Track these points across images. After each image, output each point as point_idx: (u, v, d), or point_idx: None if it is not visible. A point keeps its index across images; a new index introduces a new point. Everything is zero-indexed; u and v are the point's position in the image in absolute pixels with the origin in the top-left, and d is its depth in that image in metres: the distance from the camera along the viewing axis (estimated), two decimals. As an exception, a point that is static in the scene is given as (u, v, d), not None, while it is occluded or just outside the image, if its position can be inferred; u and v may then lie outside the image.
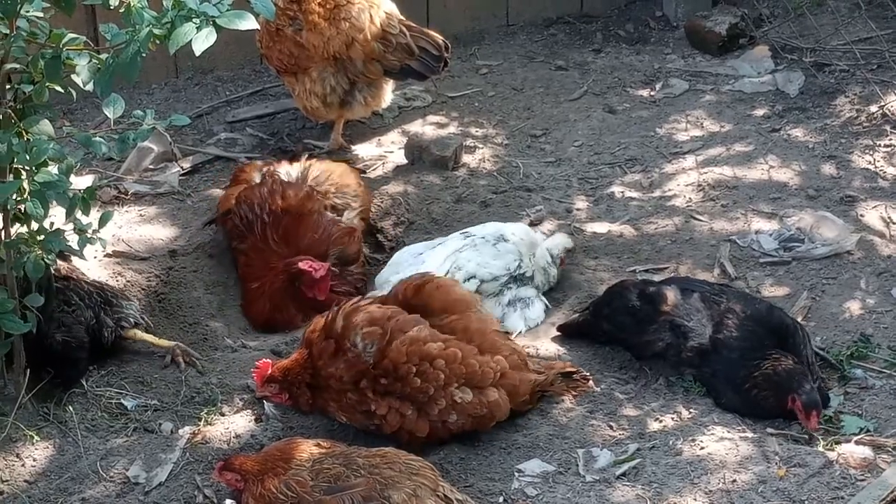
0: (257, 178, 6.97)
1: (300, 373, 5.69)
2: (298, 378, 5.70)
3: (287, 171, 6.98)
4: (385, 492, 5.10)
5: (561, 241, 6.77)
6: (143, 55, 4.86)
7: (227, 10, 4.78)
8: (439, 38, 7.50)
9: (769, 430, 5.85)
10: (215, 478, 5.44)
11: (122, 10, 4.90)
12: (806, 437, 5.81)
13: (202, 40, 4.69)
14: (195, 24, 4.73)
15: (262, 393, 5.78)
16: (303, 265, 6.51)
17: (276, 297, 6.61)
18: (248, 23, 4.76)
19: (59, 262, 6.10)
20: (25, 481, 5.60)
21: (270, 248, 6.68)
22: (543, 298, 6.61)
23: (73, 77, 5.16)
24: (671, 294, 6.18)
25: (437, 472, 5.28)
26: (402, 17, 7.53)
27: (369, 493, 5.09)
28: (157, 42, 4.90)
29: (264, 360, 5.78)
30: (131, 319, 6.26)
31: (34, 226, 5.41)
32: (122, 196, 7.38)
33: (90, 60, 5.13)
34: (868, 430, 5.82)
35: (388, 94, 7.72)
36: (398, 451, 5.37)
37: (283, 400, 5.76)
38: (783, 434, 5.83)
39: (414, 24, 7.53)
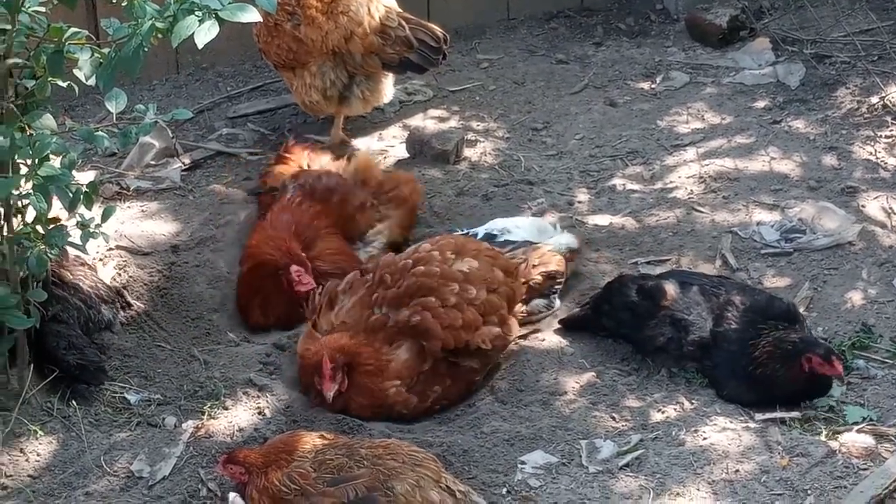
0: (304, 162, 7.04)
1: None
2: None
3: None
4: (388, 482, 5.11)
5: (566, 240, 6.76)
6: (146, 49, 4.87)
7: (229, 2, 4.78)
8: (438, 30, 7.50)
9: (777, 414, 5.86)
10: (219, 471, 5.45)
11: (124, 4, 4.91)
12: (806, 421, 5.83)
13: (204, 33, 4.70)
14: (197, 17, 4.74)
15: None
16: (294, 273, 6.51)
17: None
18: (251, 15, 4.77)
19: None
20: (29, 476, 5.60)
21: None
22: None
23: (76, 72, 5.16)
24: (670, 288, 6.19)
25: (440, 464, 5.29)
26: (400, 10, 7.53)
27: (372, 485, 5.10)
28: (160, 36, 4.91)
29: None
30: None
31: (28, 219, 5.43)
32: (124, 192, 7.39)
33: (92, 55, 5.13)
34: (870, 420, 5.82)
35: (389, 88, 7.72)
36: (401, 442, 5.39)
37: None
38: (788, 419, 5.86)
39: (412, 17, 7.54)
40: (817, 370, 5.82)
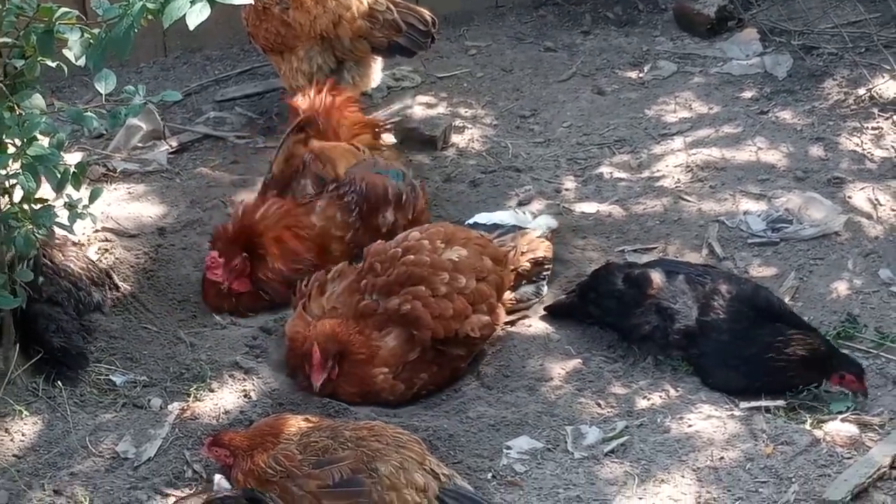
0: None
1: None
2: None
3: None
4: (372, 464, 5.11)
5: (544, 221, 6.79)
6: (136, 30, 4.85)
7: (221, -16, 4.78)
8: (426, 13, 7.49)
9: (762, 403, 5.89)
10: (205, 453, 5.46)
11: (115, -16, 4.90)
12: (790, 410, 5.88)
13: (196, 14, 4.69)
14: (188, -2, 4.73)
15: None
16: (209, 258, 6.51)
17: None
18: (242, -3, 4.77)
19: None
20: (14, 456, 5.60)
21: None
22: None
23: (65, 52, 5.14)
24: (656, 277, 6.20)
25: (424, 446, 5.30)
26: None
27: (357, 466, 5.10)
28: (150, 17, 4.90)
29: None
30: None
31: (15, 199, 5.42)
32: (111, 174, 7.38)
33: (82, 35, 5.12)
34: (855, 409, 5.85)
35: (377, 73, 7.71)
36: (385, 424, 5.40)
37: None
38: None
39: (401, 0, 7.52)
40: (848, 387, 5.89)
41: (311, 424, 5.37)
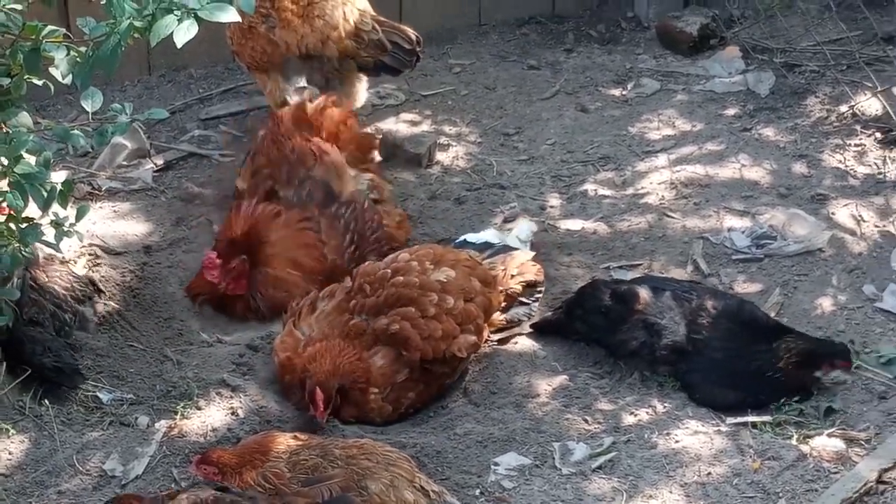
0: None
1: None
2: None
3: None
4: (362, 482, 5.12)
5: (525, 225, 6.87)
6: (123, 48, 4.85)
7: (208, 2, 4.77)
8: (411, 32, 7.50)
9: (749, 418, 5.91)
10: (193, 471, 5.43)
11: (102, 2, 4.89)
12: (777, 425, 5.90)
13: (183, 32, 4.68)
14: (176, 16, 4.72)
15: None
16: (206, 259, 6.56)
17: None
18: (229, 15, 4.75)
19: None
20: (1, 474, 5.58)
21: None
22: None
23: (51, 70, 5.14)
24: (643, 293, 6.22)
25: (414, 464, 5.30)
26: (374, 13, 7.53)
27: (347, 484, 5.10)
28: (137, 35, 4.90)
29: None
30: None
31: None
32: (96, 192, 7.37)
33: (68, 53, 5.11)
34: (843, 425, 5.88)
35: (363, 92, 7.72)
36: (375, 442, 5.40)
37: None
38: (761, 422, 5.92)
39: (385, 19, 7.53)
40: (843, 371, 5.97)
41: (300, 442, 5.37)
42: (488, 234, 6.79)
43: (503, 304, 6.36)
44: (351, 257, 6.67)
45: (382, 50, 7.41)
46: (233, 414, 5.94)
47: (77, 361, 6.07)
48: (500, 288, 6.32)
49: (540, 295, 6.51)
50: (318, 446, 5.31)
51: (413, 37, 7.47)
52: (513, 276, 6.42)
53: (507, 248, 6.58)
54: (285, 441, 5.35)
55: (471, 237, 6.75)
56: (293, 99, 7.29)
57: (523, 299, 6.46)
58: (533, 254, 6.63)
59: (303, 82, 7.43)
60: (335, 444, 5.31)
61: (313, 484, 5.12)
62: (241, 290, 6.57)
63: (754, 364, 5.98)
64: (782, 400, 5.98)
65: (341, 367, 5.89)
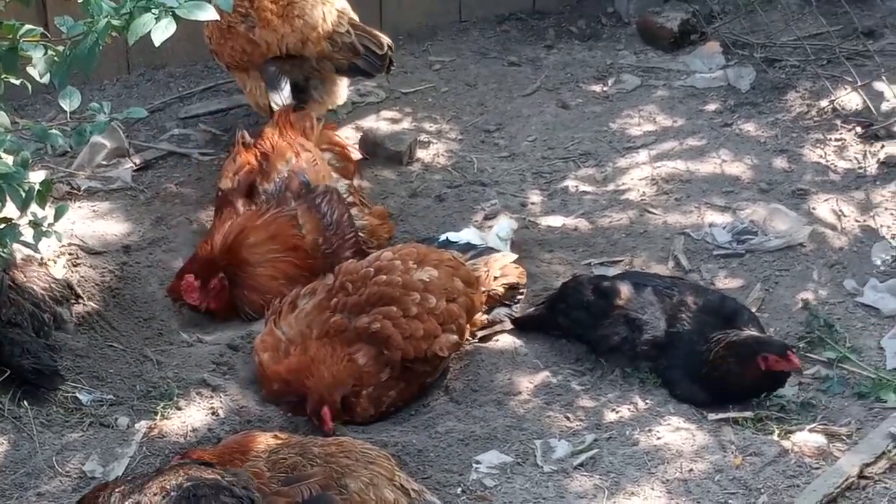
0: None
1: None
2: None
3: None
4: (342, 480, 5.08)
5: (506, 223, 6.88)
6: (101, 46, 4.83)
7: (186, 0, 4.75)
8: (384, 38, 7.49)
9: (730, 414, 5.91)
10: (174, 471, 5.43)
11: (80, 1, 4.87)
12: (758, 421, 5.89)
13: (161, 31, 4.65)
14: (154, 14, 4.69)
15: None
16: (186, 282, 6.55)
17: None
18: (208, 13, 4.73)
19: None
20: (-19, 476, 5.57)
21: None
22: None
23: (29, 69, 5.11)
24: (625, 289, 6.22)
25: (394, 461, 5.28)
26: (351, 16, 7.50)
27: (326, 483, 5.07)
28: (115, 34, 4.88)
29: None
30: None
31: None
32: (75, 192, 7.34)
33: (46, 52, 5.09)
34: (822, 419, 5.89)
35: (343, 90, 7.70)
36: (354, 440, 5.38)
37: None
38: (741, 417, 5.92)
39: (359, 23, 7.51)
40: (774, 368, 5.87)
41: (279, 441, 5.35)
42: (469, 233, 6.79)
43: (485, 306, 6.35)
44: (330, 241, 6.66)
45: (355, 53, 7.39)
46: (213, 414, 5.92)
47: (56, 363, 6.04)
48: (483, 289, 6.31)
49: (522, 297, 6.51)
50: (296, 444, 5.28)
51: (384, 42, 7.46)
52: (495, 277, 6.42)
53: (490, 250, 6.58)
54: (265, 440, 5.33)
55: (452, 235, 6.74)
56: (276, 104, 7.27)
57: (506, 301, 6.45)
58: (516, 256, 6.62)
59: (286, 85, 7.41)
60: (314, 443, 5.28)
61: (293, 483, 5.09)
62: (222, 305, 6.56)
63: (697, 359, 5.98)
64: (748, 397, 5.98)
65: (338, 376, 5.87)
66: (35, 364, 5.93)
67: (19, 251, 6.15)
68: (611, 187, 7.40)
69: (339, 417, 5.86)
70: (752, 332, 6.02)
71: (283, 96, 7.32)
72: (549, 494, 5.51)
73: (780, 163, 7.48)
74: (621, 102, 8.14)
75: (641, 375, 6.13)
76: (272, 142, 6.92)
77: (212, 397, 6.02)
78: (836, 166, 7.42)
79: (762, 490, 5.47)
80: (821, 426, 5.83)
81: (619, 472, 5.60)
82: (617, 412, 5.95)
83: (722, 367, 5.92)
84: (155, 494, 4.73)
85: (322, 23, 7.34)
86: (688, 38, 8.62)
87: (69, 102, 5.17)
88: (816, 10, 8.44)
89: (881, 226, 6.97)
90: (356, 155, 7.38)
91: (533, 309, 6.50)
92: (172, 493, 4.69)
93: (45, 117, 7.74)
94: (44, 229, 5.45)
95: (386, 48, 7.45)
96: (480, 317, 6.34)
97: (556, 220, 7.17)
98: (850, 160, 7.45)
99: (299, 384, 5.87)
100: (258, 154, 6.90)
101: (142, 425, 5.83)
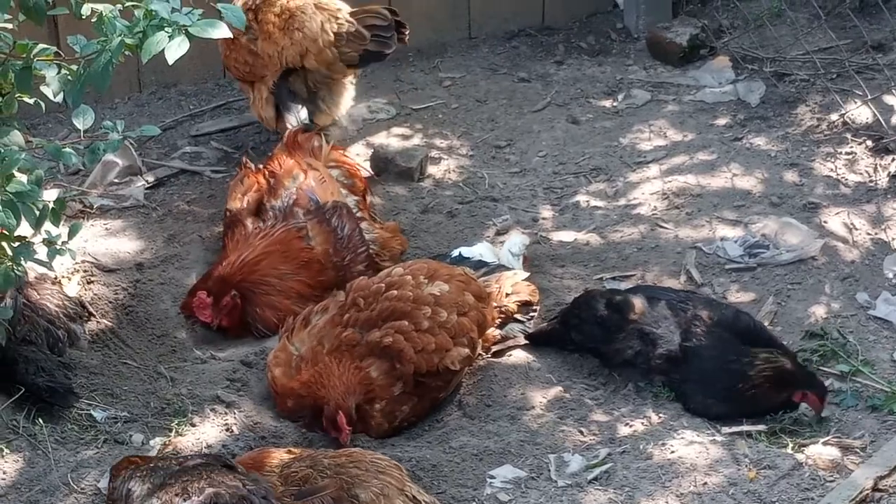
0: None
1: None
2: None
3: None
4: (352, 490, 5.08)
5: (518, 239, 6.88)
6: (115, 65, 4.85)
7: (199, 19, 4.78)
8: (382, 9, 7.44)
9: (744, 427, 5.92)
10: (187, 488, 5.44)
11: (93, 20, 4.89)
12: (772, 434, 5.91)
13: (175, 49, 4.68)
14: (167, 33, 4.72)
15: None
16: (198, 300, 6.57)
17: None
18: (221, 31, 4.76)
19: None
20: (-4, 494, 5.59)
21: None
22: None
23: (43, 88, 5.14)
24: (638, 302, 6.23)
25: (404, 472, 5.28)
26: (348, 8, 7.43)
27: (338, 494, 5.07)
28: (128, 53, 4.90)
29: None
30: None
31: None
32: (88, 210, 7.37)
33: (59, 71, 5.11)
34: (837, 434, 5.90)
35: (348, 101, 7.67)
36: (364, 451, 5.38)
37: None
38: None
39: (355, 8, 7.47)
40: (808, 404, 5.95)
41: (292, 456, 5.36)
42: (482, 248, 6.80)
43: (498, 322, 6.36)
44: (342, 255, 6.68)
45: (362, 40, 7.35)
46: (227, 430, 5.93)
47: (70, 380, 6.06)
48: (495, 304, 6.32)
49: (535, 314, 6.52)
50: (307, 457, 5.29)
51: (386, 13, 7.43)
52: (507, 294, 6.43)
53: (502, 268, 6.59)
54: (278, 455, 5.34)
55: (465, 251, 6.75)
56: (291, 124, 7.30)
57: (518, 317, 6.47)
58: (528, 274, 6.63)
59: (300, 106, 7.43)
60: (324, 455, 5.28)
61: (305, 496, 5.10)
62: (234, 323, 6.58)
63: (729, 373, 5.98)
64: (766, 413, 6.00)
65: (349, 383, 5.89)
66: (50, 382, 5.95)
67: (32, 269, 6.16)
68: (622, 202, 7.41)
69: (355, 428, 5.86)
70: (797, 363, 6.05)
71: (297, 117, 7.34)
72: (564, 509, 5.52)
73: (790, 176, 7.48)
74: (631, 117, 8.16)
75: (655, 389, 6.14)
76: (280, 161, 6.95)
77: (226, 414, 6.03)
78: (846, 180, 7.42)
79: (776, 503, 5.46)
80: (834, 439, 5.83)
81: (634, 486, 5.60)
82: (630, 426, 5.96)
83: (761, 386, 5.93)
84: (177, 495, 4.76)
85: (322, 34, 7.30)
86: (697, 52, 8.64)
87: (82, 121, 5.19)
88: (825, 24, 8.45)
89: (893, 238, 6.97)
90: (365, 173, 7.40)
91: (545, 324, 6.51)
92: (194, 498, 4.71)
93: (58, 136, 7.77)
94: (57, 247, 5.47)
95: (389, 17, 7.41)
96: (493, 332, 6.35)
97: (567, 235, 7.18)
98: (861, 173, 7.46)
99: (313, 397, 5.89)
100: (266, 173, 6.93)
101: (156, 442, 5.85)
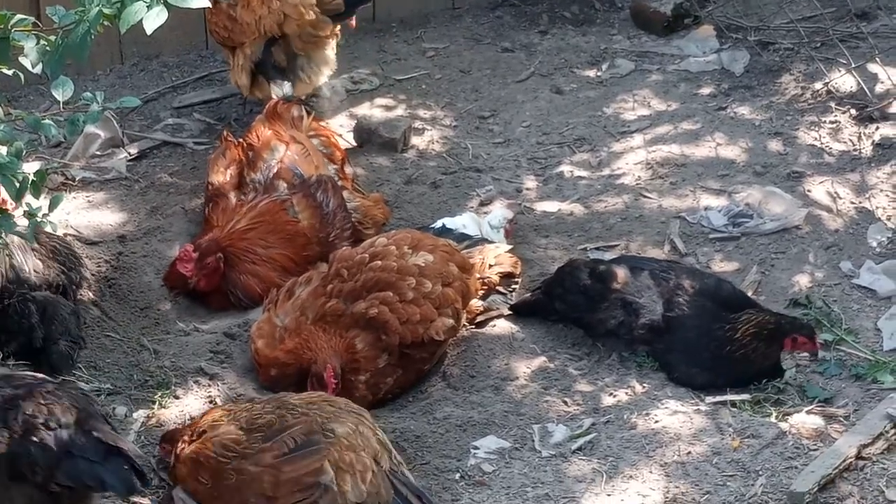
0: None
1: None
2: None
3: None
4: (327, 425, 5.04)
5: (499, 212, 6.87)
6: (93, 35, 4.82)
7: (177, -12, 4.74)
8: None
9: (727, 397, 5.92)
10: (160, 453, 5.49)
11: (71, -11, 4.86)
12: (756, 403, 5.91)
13: (153, 19, 4.64)
14: (145, 3, 4.69)
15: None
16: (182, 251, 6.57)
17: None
18: (199, 1, 4.73)
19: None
20: (-22, 467, 5.55)
21: None
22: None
23: (21, 59, 5.10)
24: (621, 272, 6.22)
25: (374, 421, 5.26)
26: None
27: (310, 429, 5.03)
28: (106, 23, 4.86)
29: None
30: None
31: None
32: (70, 183, 7.33)
33: (38, 42, 5.08)
34: (827, 400, 5.89)
35: (328, 69, 7.63)
36: (334, 396, 5.39)
37: None
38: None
39: None
40: (801, 349, 5.96)
41: (250, 404, 5.32)
42: (466, 218, 6.79)
43: (480, 293, 6.35)
44: (328, 229, 6.67)
45: None
46: (211, 402, 5.92)
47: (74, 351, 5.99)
48: (478, 275, 6.31)
49: (517, 286, 6.51)
50: (272, 401, 5.25)
51: None
52: (490, 265, 6.42)
53: (484, 241, 6.58)
54: (236, 406, 5.32)
55: (448, 222, 6.74)
56: (276, 95, 7.27)
57: (500, 289, 6.45)
58: (510, 246, 6.62)
59: (285, 80, 7.39)
60: (291, 397, 5.26)
61: (275, 437, 5.05)
62: (211, 286, 6.55)
63: (715, 340, 5.98)
64: (752, 380, 5.99)
65: (335, 347, 5.89)
66: (69, 348, 5.88)
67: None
68: (606, 172, 7.40)
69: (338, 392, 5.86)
70: (778, 313, 6.07)
71: (282, 89, 7.31)
72: (548, 479, 5.52)
73: (774, 146, 7.48)
74: (615, 87, 8.13)
75: (638, 359, 6.14)
76: (258, 133, 6.93)
77: (209, 386, 6.03)
78: (830, 148, 7.42)
79: (760, 472, 5.47)
80: (818, 408, 5.84)
81: (617, 455, 5.61)
82: (614, 396, 5.96)
83: (750, 344, 5.93)
84: None
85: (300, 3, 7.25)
86: (681, 21, 8.61)
87: (62, 92, 5.15)
88: (809, -9, 8.44)
89: (877, 207, 6.97)
90: (345, 144, 7.37)
91: (529, 294, 6.50)
92: None
93: (38, 108, 7.74)
94: (39, 220, 5.45)
95: None
96: (476, 303, 6.34)
97: (551, 206, 7.17)
98: (845, 142, 7.45)
99: (298, 362, 5.87)
100: (244, 145, 6.91)
101: (140, 414, 5.84)
